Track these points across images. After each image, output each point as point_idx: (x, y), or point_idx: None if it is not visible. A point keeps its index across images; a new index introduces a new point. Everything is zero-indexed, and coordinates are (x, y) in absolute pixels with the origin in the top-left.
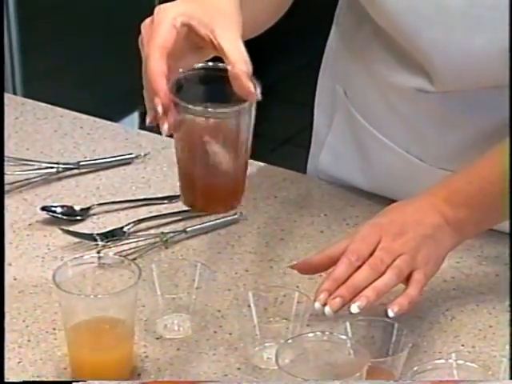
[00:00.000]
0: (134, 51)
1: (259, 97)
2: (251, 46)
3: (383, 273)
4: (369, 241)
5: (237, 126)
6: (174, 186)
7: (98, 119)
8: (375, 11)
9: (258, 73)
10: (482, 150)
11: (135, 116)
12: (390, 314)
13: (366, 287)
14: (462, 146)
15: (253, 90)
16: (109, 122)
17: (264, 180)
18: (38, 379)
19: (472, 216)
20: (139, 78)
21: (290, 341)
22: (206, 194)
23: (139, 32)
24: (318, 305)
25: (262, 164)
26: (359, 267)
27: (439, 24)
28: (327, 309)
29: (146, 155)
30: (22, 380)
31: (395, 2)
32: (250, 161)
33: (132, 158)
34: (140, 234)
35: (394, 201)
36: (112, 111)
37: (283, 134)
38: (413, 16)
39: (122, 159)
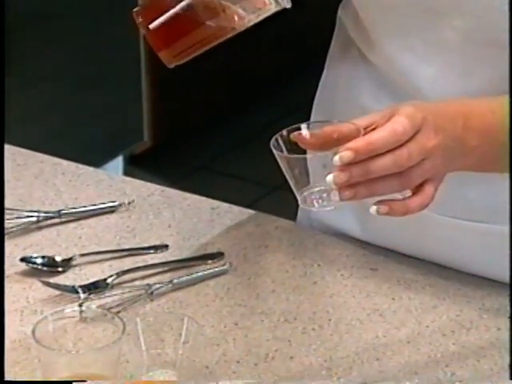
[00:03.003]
0: (117, 94)
1: None
2: (241, 90)
3: (402, 172)
4: (414, 122)
5: None
6: (160, 236)
7: (80, 165)
8: (370, 50)
9: (247, 116)
10: (486, 201)
11: (119, 161)
12: (372, 210)
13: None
14: (465, 191)
15: None
16: (92, 168)
17: (254, 228)
18: None
19: (482, 146)
20: (122, 122)
21: None
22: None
23: (121, 76)
24: (336, 158)
25: (252, 212)
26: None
27: (436, 62)
28: (335, 194)
29: (130, 203)
30: None
31: (390, 40)
32: (240, 208)
33: (116, 205)
34: (124, 285)
35: (391, 251)
36: (95, 156)
37: (274, 179)
38: (409, 54)
39: (106, 207)
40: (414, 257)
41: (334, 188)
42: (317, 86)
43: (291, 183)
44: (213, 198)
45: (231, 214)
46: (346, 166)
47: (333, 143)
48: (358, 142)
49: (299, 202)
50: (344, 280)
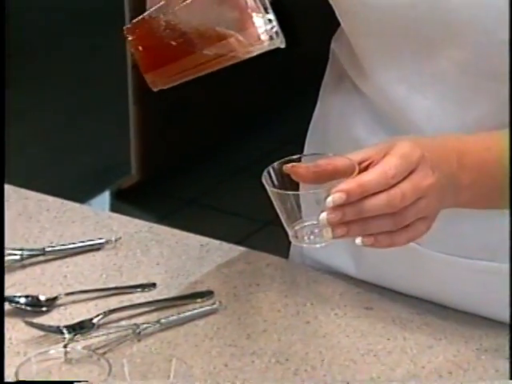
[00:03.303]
0: (104, 127)
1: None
2: (232, 122)
3: (397, 212)
4: (409, 163)
5: None
6: (147, 274)
7: (65, 201)
8: (363, 82)
9: (238, 149)
10: (484, 238)
11: (106, 196)
12: (358, 241)
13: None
14: (461, 227)
15: None
16: (77, 204)
17: (245, 266)
18: None
19: (476, 183)
20: (109, 156)
21: None
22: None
23: (108, 108)
24: (329, 200)
25: (242, 249)
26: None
27: (432, 93)
28: (327, 231)
29: (117, 240)
30: None
31: (384, 71)
32: (230, 245)
33: (102, 243)
34: (111, 325)
35: (386, 289)
36: (81, 192)
37: (266, 214)
38: (404, 85)
39: (92, 244)
40: (409, 295)
41: (326, 225)
42: (310, 118)
43: (282, 218)
44: (202, 234)
45: (221, 251)
46: (355, 194)
47: (327, 177)
48: (350, 184)
49: (290, 237)
50: (338, 319)
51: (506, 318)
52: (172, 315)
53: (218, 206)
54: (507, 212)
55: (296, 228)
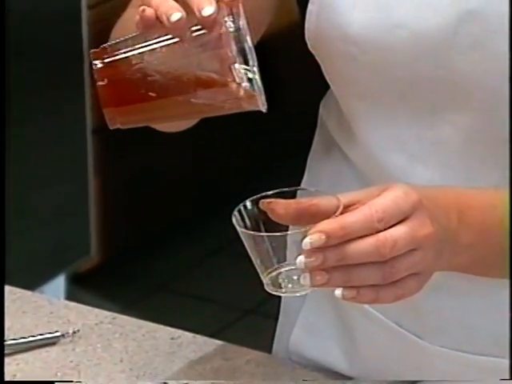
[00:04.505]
0: (59, 200)
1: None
2: (207, 196)
3: (386, 263)
4: (402, 208)
5: None
6: (109, 372)
7: (14, 288)
8: (355, 151)
9: (213, 227)
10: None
11: (60, 281)
12: (338, 293)
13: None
14: (469, 318)
15: None
16: (29, 292)
17: (222, 363)
18: None
19: (477, 244)
20: (65, 234)
21: None
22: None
23: (64, 178)
24: (306, 241)
25: (218, 342)
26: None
27: (434, 163)
28: (305, 277)
29: (75, 333)
30: None
31: (378, 138)
32: (205, 338)
33: (58, 336)
34: None
35: None
36: (32, 276)
37: (246, 301)
38: (401, 154)
39: (46, 339)
40: None
41: (304, 270)
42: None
43: (256, 263)
44: (173, 325)
45: (194, 345)
46: (335, 236)
47: (309, 218)
48: (331, 225)
49: (265, 285)
50: None
51: None
52: None
53: (191, 292)
54: None
55: (272, 275)
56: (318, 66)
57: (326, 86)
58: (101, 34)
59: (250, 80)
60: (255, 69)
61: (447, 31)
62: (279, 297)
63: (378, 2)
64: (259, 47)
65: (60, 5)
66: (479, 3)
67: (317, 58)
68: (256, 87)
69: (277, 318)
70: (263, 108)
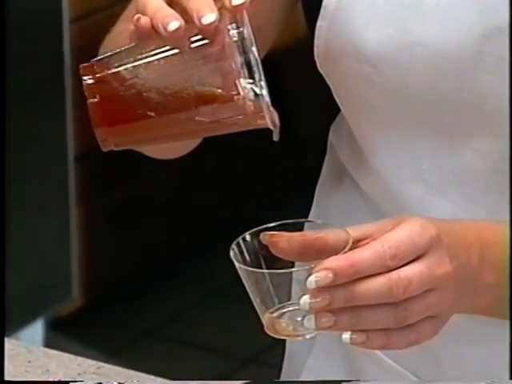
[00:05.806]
0: (37, 235)
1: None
2: (203, 230)
3: (399, 304)
4: (418, 244)
5: None
6: None
7: None
8: (367, 181)
9: (211, 265)
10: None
11: (39, 327)
12: (345, 338)
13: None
14: (456, 348)
15: None
16: (4, 338)
17: None
18: None
19: (501, 284)
20: (44, 274)
21: None
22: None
23: (43, 210)
24: (312, 280)
25: None
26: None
27: (455, 195)
28: (310, 319)
29: None
30: None
31: (394, 167)
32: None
33: None
34: None
35: None
36: (7, 321)
37: (246, 349)
38: (419, 185)
39: None
40: None
41: (309, 311)
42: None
43: (255, 302)
44: (163, 375)
45: None
46: (344, 275)
47: (314, 254)
48: (339, 261)
49: (265, 326)
50: None
51: None
52: None
53: (183, 338)
54: None
55: (273, 315)
56: (328, 87)
57: (337, 109)
58: (84, 50)
59: (256, 95)
60: (262, 83)
61: (472, 49)
62: (282, 345)
63: (395, 16)
64: (262, 66)
65: (40, 19)
66: (508, 19)
67: (326, 78)
68: (264, 103)
69: (280, 368)
70: (273, 126)
